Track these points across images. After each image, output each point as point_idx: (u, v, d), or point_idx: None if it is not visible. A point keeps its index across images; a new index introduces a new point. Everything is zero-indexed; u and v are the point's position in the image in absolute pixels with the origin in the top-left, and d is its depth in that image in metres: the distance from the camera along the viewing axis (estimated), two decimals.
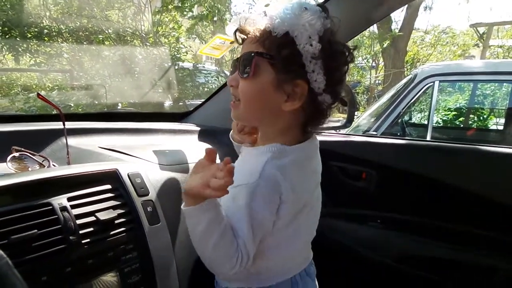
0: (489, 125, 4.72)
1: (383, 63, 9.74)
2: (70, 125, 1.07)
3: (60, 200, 0.72)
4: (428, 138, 2.87)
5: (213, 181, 0.60)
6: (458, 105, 5.07)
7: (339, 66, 0.70)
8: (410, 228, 1.42)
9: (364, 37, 8.82)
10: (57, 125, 1.01)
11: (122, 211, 0.79)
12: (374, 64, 10.92)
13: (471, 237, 1.33)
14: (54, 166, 0.88)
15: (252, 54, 0.68)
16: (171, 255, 0.84)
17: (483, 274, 1.30)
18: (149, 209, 0.83)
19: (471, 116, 4.91)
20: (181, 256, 0.88)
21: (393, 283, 1.46)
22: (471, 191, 1.30)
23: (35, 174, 0.73)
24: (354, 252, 1.47)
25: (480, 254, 1.31)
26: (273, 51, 0.68)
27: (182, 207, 0.68)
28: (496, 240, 1.30)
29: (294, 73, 0.68)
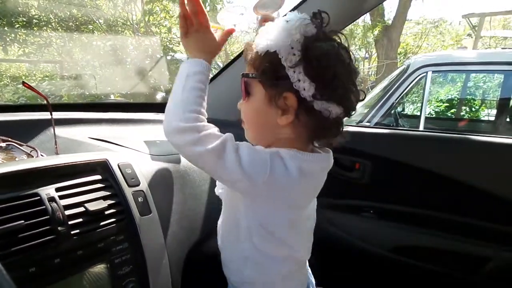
0: (480, 116, 4.76)
1: (376, 54, 9.74)
2: (58, 115, 1.05)
3: (48, 191, 0.70)
4: (421, 128, 2.88)
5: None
6: (450, 96, 5.10)
7: (326, 68, 0.67)
8: (402, 218, 1.42)
9: (358, 27, 8.79)
10: (45, 115, 0.99)
11: (112, 201, 0.78)
12: (367, 55, 10.92)
13: (463, 227, 1.34)
14: (42, 156, 0.87)
15: (241, 77, 0.74)
16: (163, 246, 0.83)
17: (475, 263, 1.31)
18: (140, 199, 0.82)
19: (463, 107, 4.94)
20: (173, 247, 0.87)
21: (386, 273, 1.47)
22: (463, 180, 1.31)
23: (22, 164, 0.71)
24: (347, 242, 1.47)
25: (472, 244, 1.32)
26: (259, 70, 0.70)
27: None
28: (488, 229, 1.31)
29: (280, 87, 0.68)
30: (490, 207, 1.30)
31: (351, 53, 0.72)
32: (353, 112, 0.74)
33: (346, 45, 0.72)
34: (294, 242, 0.81)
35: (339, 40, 0.71)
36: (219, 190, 0.88)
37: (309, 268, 0.95)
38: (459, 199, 1.34)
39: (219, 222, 0.88)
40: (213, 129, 0.70)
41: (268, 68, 0.68)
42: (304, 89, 0.66)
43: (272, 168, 0.68)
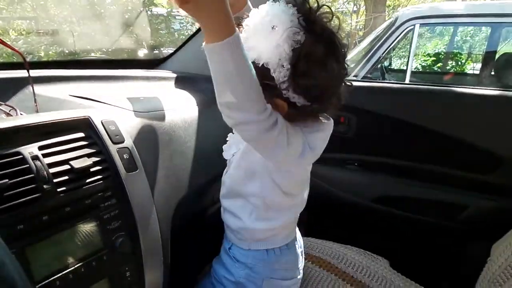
0: (466, 70, 4.78)
1: (364, 8, 9.50)
2: (37, 73, 1.01)
3: (31, 149, 0.69)
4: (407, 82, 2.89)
5: None
6: (437, 51, 5.07)
7: (313, 85, 0.68)
8: (386, 170, 1.46)
9: None
10: (22, 73, 0.96)
11: (97, 159, 0.77)
12: (355, 8, 10.65)
13: (443, 177, 1.38)
14: (22, 115, 0.84)
15: None
16: (151, 201, 0.84)
17: (453, 211, 1.37)
18: (125, 156, 0.82)
19: (449, 61, 4.94)
20: (161, 202, 0.88)
21: (368, 222, 1.53)
22: (446, 132, 1.34)
23: (2, 123, 0.69)
24: (332, 194, 1.51)
25: (451, 192, 1.38)
26: None
27: (204, 46, 0.60)
28: (466, 178, 1.36)
29: (270, 93, 0.68)
30: (470, 157, 1.35)
31: (340, 54, 0.71)
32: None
33: (338, 33, 0.72)
34: (298, 194, 0.92)
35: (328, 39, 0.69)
36: (230, 155, 0.90)
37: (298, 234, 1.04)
38: (440, 150, 1.38)
39: (226, 176, 0.93)
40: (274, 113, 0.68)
41: (258, 76, 0.64)
42: (294, 98, 0.70)
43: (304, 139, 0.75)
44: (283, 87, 0.68)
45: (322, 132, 0.81)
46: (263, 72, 0.66)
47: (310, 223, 0.95)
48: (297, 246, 0.99)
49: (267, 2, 0.70)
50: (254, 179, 0.84)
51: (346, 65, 0.73)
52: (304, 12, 0.68)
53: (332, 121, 0.85)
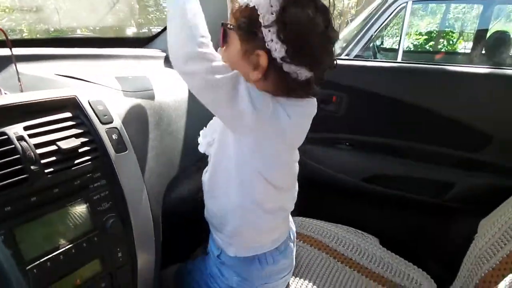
0: (457, 49, 4.77)
1: None
2: (20, 51, 0.98)
3: (16, 129, 0.67)
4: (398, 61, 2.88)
5: None
6: (429, 29, 5.05)
7: (297, 35, 0.67)
8: (376, 149, 1.47)
9: None
10: (5, 51, 0.92)
11: (86, 139, 0.76)
12: None
13: (435, 155, 1.40)
14: (6, 94, 0.82)
15: (221, 26, 0.75)
16: (141, 181, 0.84)
17: (442, 188, 1.39)
18: (114, 136, 0.80)
19: (441, 40, 4.92)
20: (152, 182, 0.87)
21: (359, 201, 1.55)
22: (436, 110, 1.34)
23: None
24: (323, 173, 1.52)
25: (439, 170, 1.40)
26: (237, 22, 0.72)
27: None
28: (454, 156, 1.38)
29: (254, 43, 0.69)
30: (459, 135, 1.36)
31: (331, 19, 0.71)
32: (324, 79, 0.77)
33: (330, 9, 0.71)
34: (285, 191, 0.86)
35: (320, 3, 0.69)
36: (205, 146, 0.86)
37: (291, 217, 0.99)
38: (430, 128, 1.39)
39: (205, 178, 0.87)
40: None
41: (245, 23, 0.70)
42: (276, 50, 0.67)
43: (273, 106, 0.71)
44: (269, 33, 0.67)
45: (301, 108, 0.78)
46: (251, 18, 0.68)
47: (301, 202, 0.95)
48: (290, 243, 0.94)
49: None
50: (233, 177, 0.78)
51: (334, 32, 0.71)
52: None
53: (315, 100, 0.82)
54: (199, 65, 0.65)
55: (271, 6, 0.66)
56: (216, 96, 0.68)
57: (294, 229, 1.01)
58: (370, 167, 1.48)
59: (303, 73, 0.71)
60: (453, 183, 1.37)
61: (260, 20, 0.67)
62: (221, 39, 0.76)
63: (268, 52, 0.68)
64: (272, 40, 0.67)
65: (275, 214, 0.85)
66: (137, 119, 0.92)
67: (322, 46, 0.71)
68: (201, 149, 0.87)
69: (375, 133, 1.46)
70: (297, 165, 0.88)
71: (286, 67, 0.70)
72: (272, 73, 0.71)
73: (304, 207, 0.99)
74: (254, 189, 0.78)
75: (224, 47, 0.76)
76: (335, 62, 0.76)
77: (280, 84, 0.73)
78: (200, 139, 0.87)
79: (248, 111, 0.67)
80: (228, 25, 0.74)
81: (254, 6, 0.67)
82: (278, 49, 0.67)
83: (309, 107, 0.80)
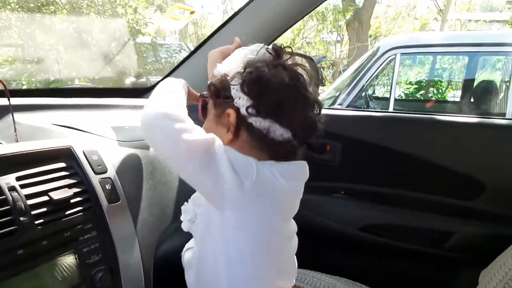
0: (447, 98, 4.91)
1: (348, 37, 9.81)
2: (19, 101, 1.00)
3: (8, 180, 0.67)
4: (390, 110, 2.95)
5: None
6: (418, 79, 5.23)
7: (262, 85, 0.66)
8: (372, 198, 1.46)
9: (329, 10, 8.80)
10: (3, 101, 0.94)
11: (78, 189, 0.75)
12: (338, 38, 10.98)
13: (430, 204, 1.39)
14: (1, 144, 0.82)
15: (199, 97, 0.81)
16: (133, 233, 0.82)
17: (440, 238, 1.37)
18: (107, 187, 0.80)
19: (430, 89, 5.08)
20: (144, 233, 0.86)
21: (356, 251, 1.51)
22: (430, 159, 1.35)
23: None
24: (318, 222, 1.50)
25: (437, 219, 1.38)
26: (211, 91, 0.75)
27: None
28: (451, 205, 1.37)
29: (225, 105, 0.71)
30: (453, 183, 1.36)
31: (300, 78, 0.69)
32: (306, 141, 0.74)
33: (313, 73, 0.74)
34: (278, 269, 0.75)
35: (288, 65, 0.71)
36: (188, 223, 0.77)
37: None
38: (424, 177, 1.39)
39: (188, 256, 0.80)
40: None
41: (218, 88, 0.73)
42: (242, 105, 0.67)
43: (258, 170, 0.65)
44: (235, 90, 0.68)
45: (293, 168, 0.72)
46: (223, 83, 0.72)
47: (297, 252, 0.93)
48: None
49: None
50: (218, 257, 0.69)
51: (301, 82, 0.69)
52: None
53: (305, 163, 0.76)
54: (172, 123, 0.63)
55: (242, 69, 0.69)
56: (190, 161, 0.63)
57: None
58: (366, 216, 1.47)
59: (277, 130, 0.67)
60: (451, 233, 1.35)
61: (231, 83, 0.69)
62: (199, 110, 0.80)
63: (237, 110, 0.68)
64: (239, 97, 0.68)
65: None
66: (131, 168, 0.92)
67: (290, 99, 0.68)
68: (184, 227, 0.78)
69: (371, 182, 1.46)
70: (293, 242, 0.82)
71: (255, 121, 0.67)
72: (243, 129, 0.69)
73: (300, 257, 0.96)
74: (238, 271, 0.69)
75: (204, 119, 0.79)
76: (317, 120, 0.71)
77: (256, 144, 0.69)
78: (182, 217, 0.79)
79: (224, 179, 0.62)
80: (204, 94, 0.78)
81: (225, 75, 0.72)
82: (243, 103, 0.67)
83: (301, 169, 0.75)
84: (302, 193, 0.78)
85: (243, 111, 0.67)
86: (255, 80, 0.67)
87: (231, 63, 0.72)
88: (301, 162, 0.75)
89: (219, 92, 0.72)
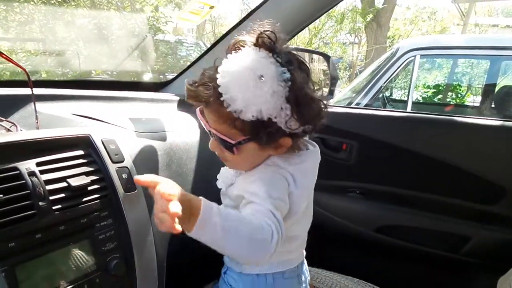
0: (466, 102, 4.81)
1: (365, 39, 9.70)
2: (40, 91, 1.02)
3: (28, 165, 0.68)
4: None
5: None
6: (437, 83, 5.13)
7: (312, 103, 0.70)
8: (388, 198, 1.44)
9: (347, 11, 8.71)
10: (26, 90, 0.96)
11: (96, 177, 0.76)
12: (356, 40, 10.87)
13: (447, 207, 1.36)
14: (22, 131, 0.84)
15: (231, 145, 0.70)
16: (148, 222, 0.82)
17: (457, 242, 1.34)
18: (124, 176, 0.80)
19: (449, 93, 4.98)
20: None
21: (370, 252, 1.49)
22: (448, 161, 1.32)
23: (1, 138, 0.69)
24: (333, 222, 1.48)
25: (454, 223, 1.35)
26: (248, 133, 0.69)
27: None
28: (469, 208, 1.34)
29: (275, 137, 0.70)
30: (472, 187, 1.33)
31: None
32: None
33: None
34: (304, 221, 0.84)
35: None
36: (224, 185, 0.83)
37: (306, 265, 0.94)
38: (442, 179, 1.36)
39: None
40: (266, 217, 0.65)
41: (265, 133, 0.68)
42: (296, 129, 0.69)
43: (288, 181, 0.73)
44: (288, 125, 0.68)
45: (312, 158, 0.80)
46: (264, 123, 0.67)
47: (310, 250, 0.92)
48: (299, 278, 0.89)
49: (243, 51, 0.68)
50: None
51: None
52: (277, 50, 0.68)
53: (318, 148, 0.83)
54: (273, 249, 0.63)
55: (281, 107, 0.66)
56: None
57: (306, 268, 0.95)
58: (382, 217, 1.44)
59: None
60: (469, 237, 1.32)
61: (275, 120, 0.67)
62: (227, 149, 0.73)
63: (290, 134, 0.71)
64: (291, 126, 0.68)
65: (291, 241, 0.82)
66: (147, 159, 0.92)
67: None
68: (220, 185, 0.84)
69: (387, 182, 1.44)
70: (308, 218, 0.87)
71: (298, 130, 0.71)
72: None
73: (312, 256, 0.95)
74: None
75: (234, 153, 0.73)
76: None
77: (296, 142, 0.75)
78: (219, 175, 0.85)
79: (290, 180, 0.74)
80: (242, 142, 0.70)
81: (268, 117, 0.66)
82: (297, 128, 0.69)
83: (315, 156, 0.81)
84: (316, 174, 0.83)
85: (297, 131, 0.70)
86: (308, 108, 0.68)
87: (265, 103, 0.65)
88: (314, 149, 0.82)
89: (268, 132, 0.68)
